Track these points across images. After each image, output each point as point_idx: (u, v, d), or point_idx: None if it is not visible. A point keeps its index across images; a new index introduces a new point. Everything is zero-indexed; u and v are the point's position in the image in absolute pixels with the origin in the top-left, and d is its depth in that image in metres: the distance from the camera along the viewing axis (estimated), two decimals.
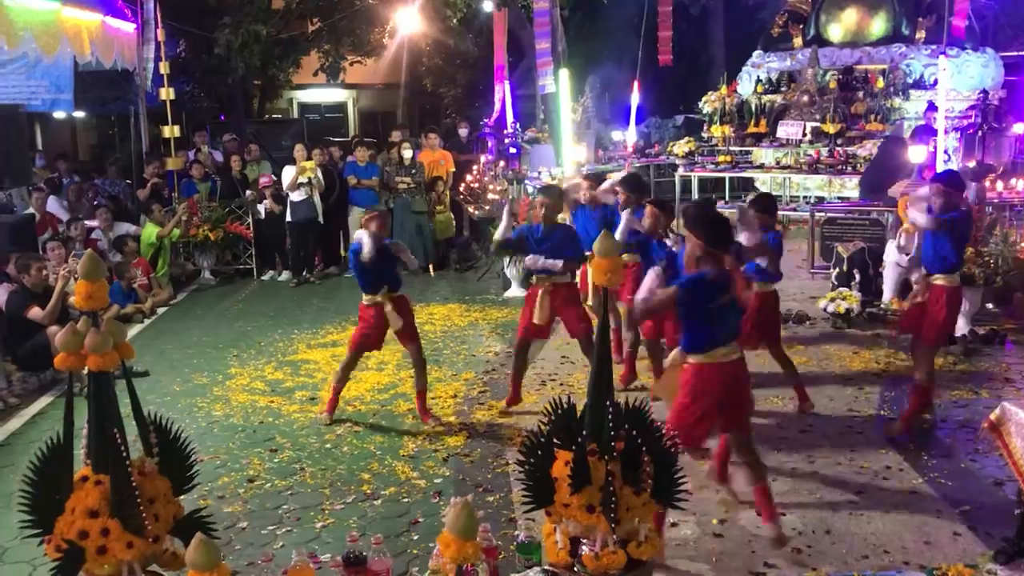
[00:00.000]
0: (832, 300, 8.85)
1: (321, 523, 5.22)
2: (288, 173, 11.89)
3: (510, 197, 12.48)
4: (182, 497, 3.18)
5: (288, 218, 11.96)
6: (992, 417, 3.36)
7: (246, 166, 12.96)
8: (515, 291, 10.75)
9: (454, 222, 13.06)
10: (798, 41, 15.99)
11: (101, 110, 18.57)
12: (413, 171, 12.34)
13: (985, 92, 13.01)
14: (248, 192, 12.42)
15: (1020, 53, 16.70)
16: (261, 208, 12.21)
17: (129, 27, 12.96)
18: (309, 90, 26.24)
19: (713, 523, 5.05)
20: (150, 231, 11.38)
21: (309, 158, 12.02)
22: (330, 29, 18.70)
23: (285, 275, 12.25)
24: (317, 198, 11.99)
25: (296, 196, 11.84)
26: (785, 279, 10.11)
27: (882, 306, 9.04)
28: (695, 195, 14.25)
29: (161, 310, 10.68)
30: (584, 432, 2.74)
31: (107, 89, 16.04)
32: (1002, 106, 15.22)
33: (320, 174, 11.98)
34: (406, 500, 5.47)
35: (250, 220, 12.22)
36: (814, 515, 5.15)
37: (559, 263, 6.46)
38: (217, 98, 19.37)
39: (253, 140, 14.59)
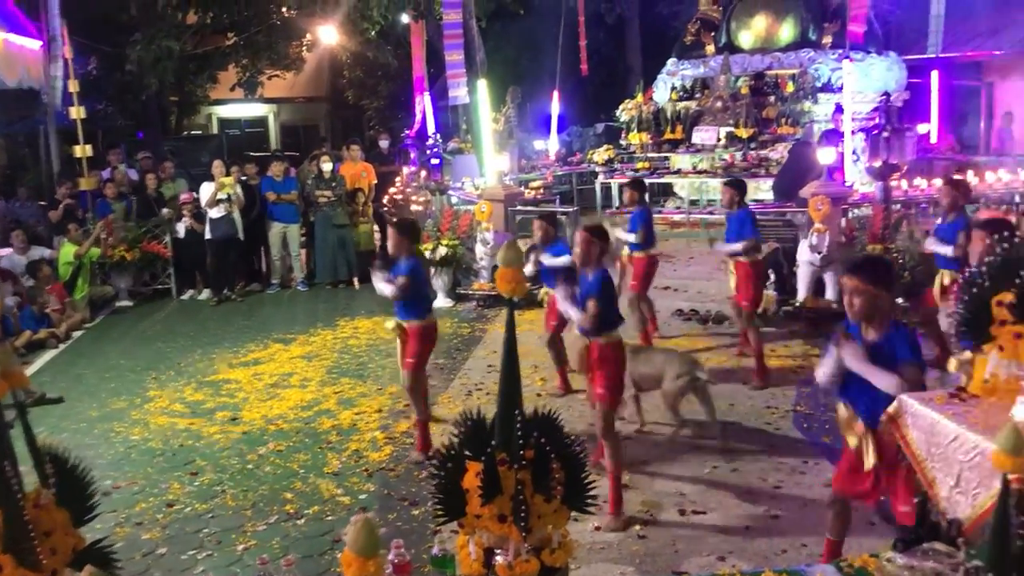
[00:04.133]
0: None
1: (243, 545, 5.14)
2: (207, 190, 11.69)
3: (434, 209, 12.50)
4: (97, 525, 3.10)
5: (207, 235, 11.75)
6: (890, 410, 3.48)
7: (162, 184, 12.70)
8: (441, 302, 10.74)
9: (378, 234, 12.98)
10: (710, 48, 16.30)
11: (8, 130, 18.00)
12: (333, 184, 12.25)
13: (887, 94, 13.44)
14: (165, 210, 12.18)
15: (922, 56, 17.30)
16: (180, 226, 11.97)
17: (34, 44, 12.59)
18: (229, 105, 25.86)
19: (636, 527, 5.12)
20: (68, 250, 11.09)
21: (228, 174, 11.85)
22: (246, 43, 18.46)
23: (205, 294, 12.03)
24: (237, 214, 11.81)
25: (215, 213, 11.64)
26: (703, 280, 10.44)
27: (797, 304, 9.28)
28: (615, 202, 14.41)
29: (77, 334, 10.39)
30: (494, 442, 2.75)
31: (14, 108, 15.56)
32: (906, 107, 15.76)
33: (240, 190, 11.81)
34: (330, 518, 5.42)
35: (168, 239, 11.98)
36: (734, 513, 5.26)
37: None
38: (132, 115, 18.96)
39: (169, 157, 14.31)
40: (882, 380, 3.72)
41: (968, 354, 3.53)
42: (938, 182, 10.06)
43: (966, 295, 3.09)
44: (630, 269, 8.44)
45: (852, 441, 3.99)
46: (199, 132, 24.98)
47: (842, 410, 4.03)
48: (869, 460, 3.87)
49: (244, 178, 12.31)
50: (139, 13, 16.17)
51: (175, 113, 21.83)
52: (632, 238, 8.35)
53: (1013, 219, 8.34)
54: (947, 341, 5.31)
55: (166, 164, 13.42)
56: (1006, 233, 4.72)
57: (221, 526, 5.39)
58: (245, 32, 18.34)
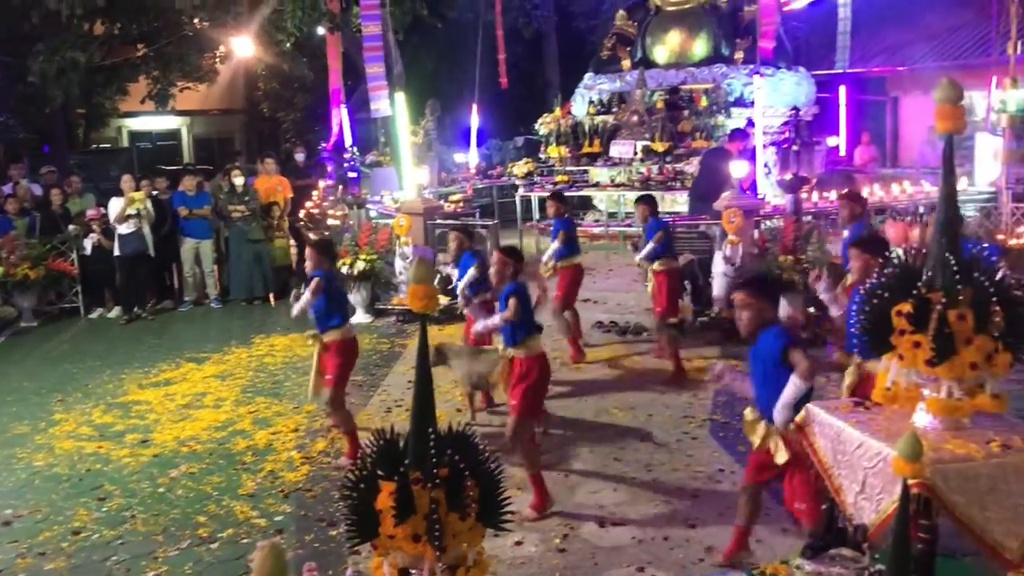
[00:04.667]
0: None
1: (153, 572, 4.99)
2: (115, 205, 11.35)
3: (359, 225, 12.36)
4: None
5: (117, 252, 11.39)
6: (798, 419, 3.56)
7: (68, 199, 12.29)
8: (360, 317, 10.62)
9: (293, 249, 12.78)
10: (626, 63, 16.52)
11: None
12: (247, 198, 12.01)
13: (796, 109, 13.79)
14: (71, 226, 11.78)
15: (830, 72, 17.87)
16: (88, 243, 11.59)
17: None
18: (139, 118, 25.23)
19: (556, 541, 5.12)
20: None
21: (138, 188, 11.52)
22: (157, 55, 18.00)
23: (115, 312, 11.65)
24: (147, 230, 11.48)
25: (124, 229, 11.29)
26: (622, 292, 10.56)
27: (712, 314, 9.44)
28: (536, 215, 14.47)
29: None
30: (407, 461, 2.71)
31: None
32: (815, 121, 16.24)
33: (150, 205, 11.49)
34: (245, 541, 5.29)
35: (75, 256, 11.59)
36: (653, 523, 5.31)
37: None
38: (36, 128, 18.32)
39: (75, 172, 13.85)
40: (793, 392, 4.08)
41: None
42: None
43: (866, 306, 3.19)
44: (552, 284, 8.50)
45: (756, 441, 4.35)
46: (108, 145, 24.30)
47: (748, 413, 4.38)
48: (780, 456, 4.19)
49: (155, 193, 11.99)
50: (42, 23, 15.58)
51: (82, 126, 21.20)
52: (554, 246, 8.53)
53: (916, 230, 8.68)
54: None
55: (72, 178, 12.98)
56: (880, 250, 5.12)
57: (131, 553, 5.22)
58: (155, 43, 17.88)
